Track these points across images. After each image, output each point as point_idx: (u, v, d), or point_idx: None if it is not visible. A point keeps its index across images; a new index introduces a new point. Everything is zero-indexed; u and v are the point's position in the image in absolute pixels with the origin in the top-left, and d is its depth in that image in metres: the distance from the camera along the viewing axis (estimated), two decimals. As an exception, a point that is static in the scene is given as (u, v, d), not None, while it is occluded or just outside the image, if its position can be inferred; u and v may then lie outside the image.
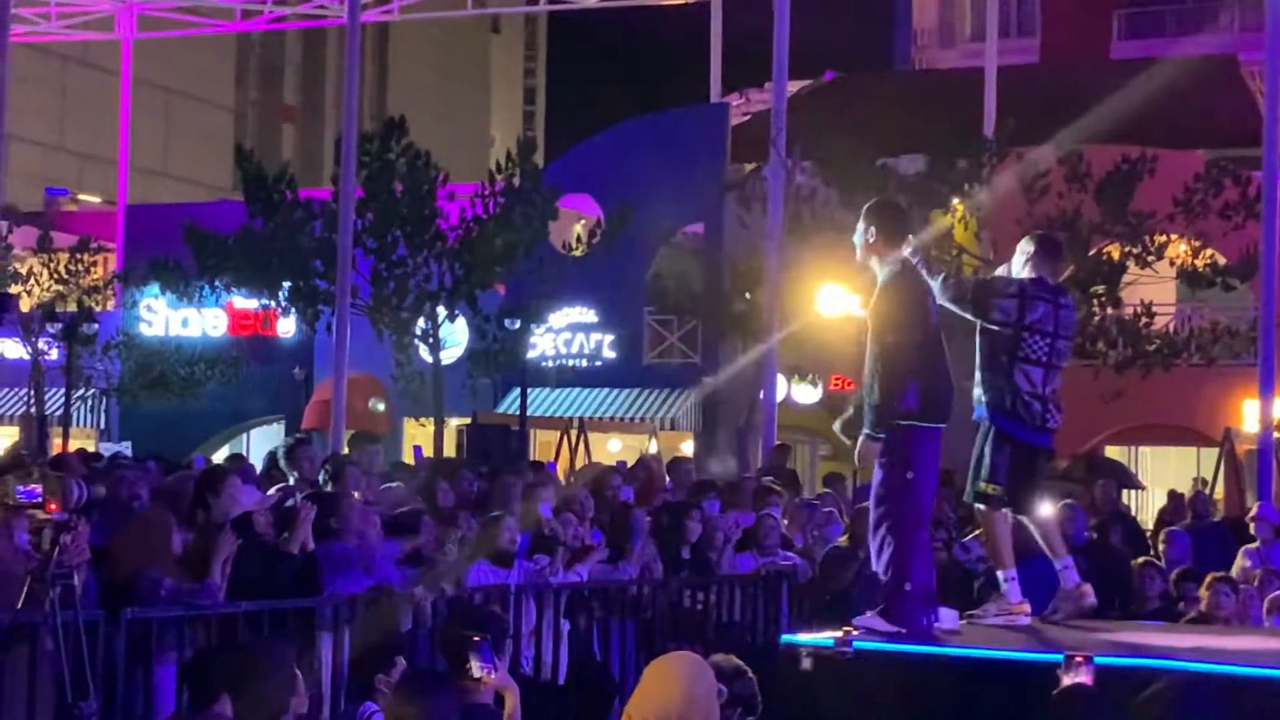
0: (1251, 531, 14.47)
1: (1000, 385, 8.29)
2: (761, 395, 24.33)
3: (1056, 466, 22.55)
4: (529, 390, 28.81)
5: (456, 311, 26.95)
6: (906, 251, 8.16)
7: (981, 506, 8.53)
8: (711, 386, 30.62)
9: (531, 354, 29.82)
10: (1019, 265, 8.54)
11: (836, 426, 8.04)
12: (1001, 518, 8.50)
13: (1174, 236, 25.55)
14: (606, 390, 32.50)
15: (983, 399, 8.36)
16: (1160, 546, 14.13)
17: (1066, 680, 5.67)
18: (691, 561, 11.27)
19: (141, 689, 8.08)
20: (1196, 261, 25.58)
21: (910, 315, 7.99)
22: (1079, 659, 5.73)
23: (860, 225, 8.18)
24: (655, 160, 30.86)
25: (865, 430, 8.10)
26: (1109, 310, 25.45)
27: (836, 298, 25.49)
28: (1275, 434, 23.14)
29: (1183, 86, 26.16)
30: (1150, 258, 25.15)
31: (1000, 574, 8.53)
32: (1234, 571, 13.08)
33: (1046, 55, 34.87)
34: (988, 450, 8.36)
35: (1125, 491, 22.34)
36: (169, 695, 7.98)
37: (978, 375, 8.38)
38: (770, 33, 25.03)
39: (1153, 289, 26.01)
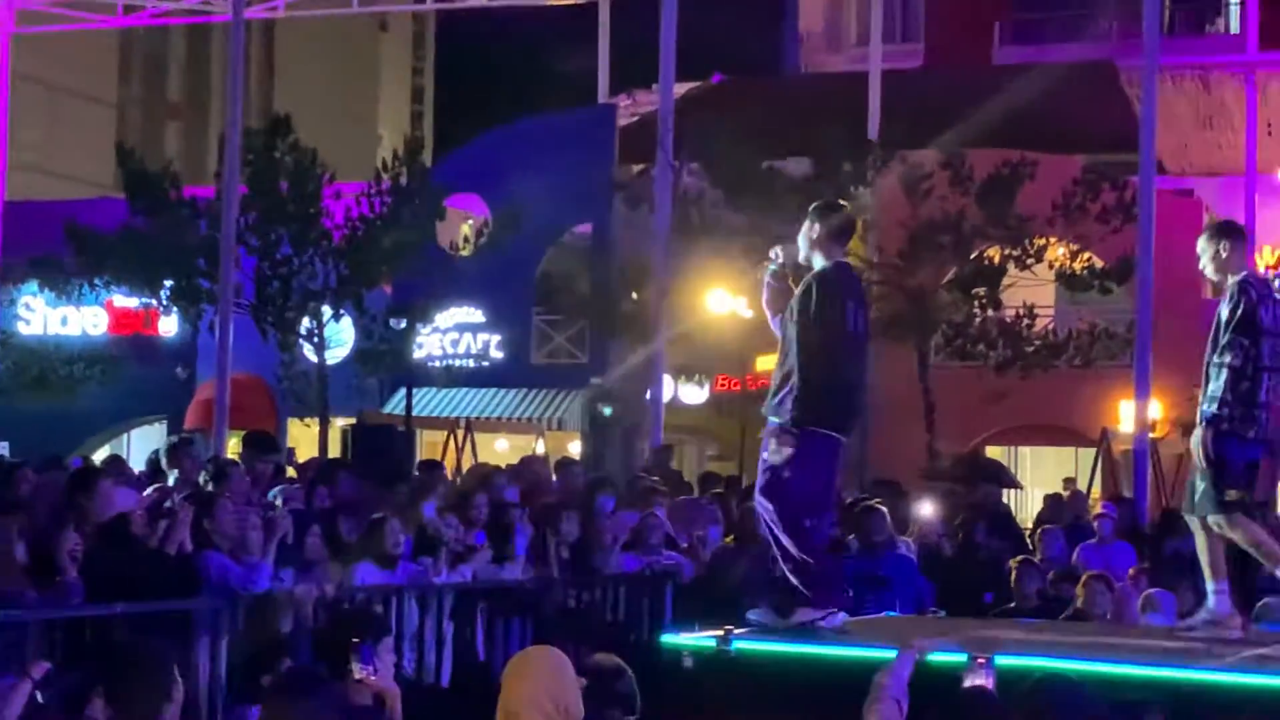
0: (1094, 528, 14.75)
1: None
2: (649, 395, 24.39)
3: (938, 467, 22.91)
4: (415, 390, 28.67)
5: (342, 311, 26.79)
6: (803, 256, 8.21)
7: (1219, 518, 8.19)
8: (599, 387, 30.65)
9: (418, 354, 29.67)
10: (1207, 263, 8.29)
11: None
12: (1247, 522, 8.21)
13: (1053, 240, 25.93)
14: (494, 390, 32.42)
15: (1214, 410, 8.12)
16: (1037, 546, 14.34)
17: (968, 682, 5.70)
18: (571, 562, 11.31)
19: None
20: (1075, 264, 25.97)
21: (824, 317, 7.99)
22: (980, 660, 5.75)
23: (806, 224, 8.24)
24: (544, 161, 30.83)
25: (763, 408, 8.15)
26: (990, 312, 25.78)
27: (723, 298, 25.66)
28: (1150, 435, 23.54)
29: (1062, 92, 26.56)
30: (1030, 260, 25.51)
31: (1212, 585, 8.26)
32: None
33: (930, 60, 35.24)
34: (1226, 459, 8.11)
35: (1005, 491, 22.66)
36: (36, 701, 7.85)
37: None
38: (658, 34, 25.10)
39: (1033, 291, 26.36)
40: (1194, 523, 8.32)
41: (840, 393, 8.06)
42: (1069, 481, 22.49)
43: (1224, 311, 8.07)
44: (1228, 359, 7.99)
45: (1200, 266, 8.28)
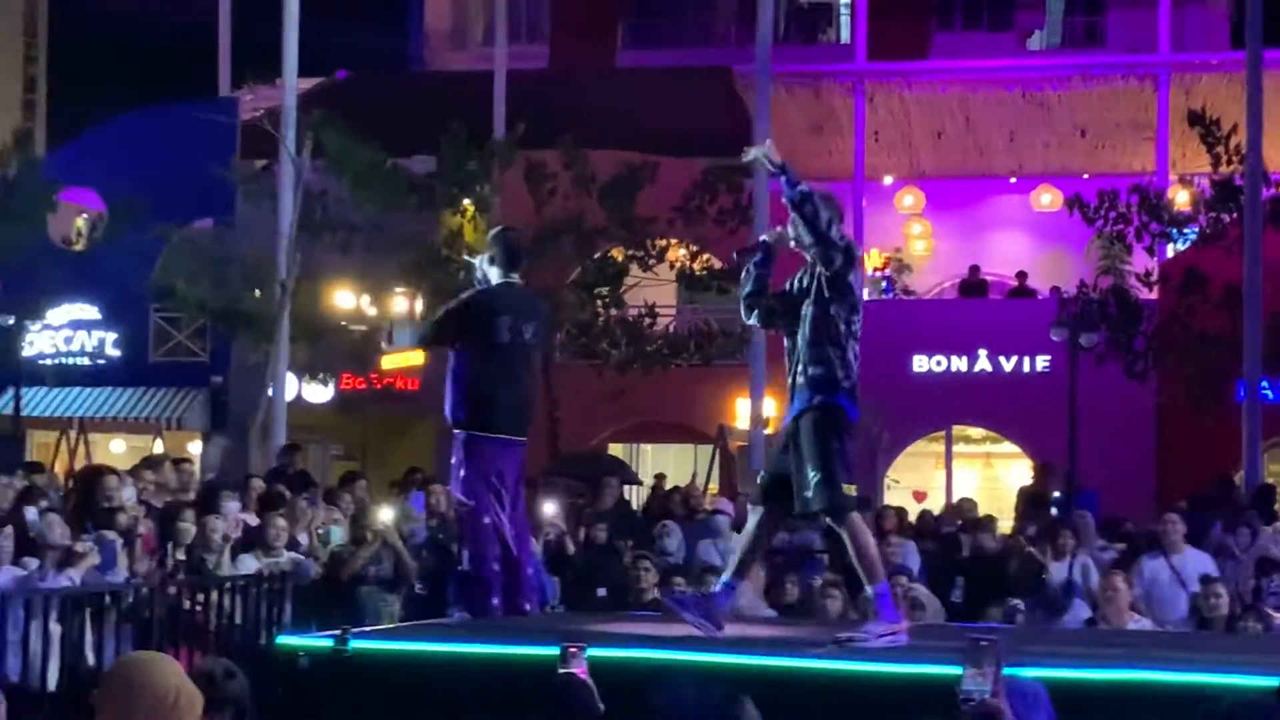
0: (712, 523, 15.20)
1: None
2: (271, 394, 24.04)
3: (561, 464, 23.21)
4: (25, 390, 27.67)
5: (-56, 308, 25.71)
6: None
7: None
8: (220, 385, 30.07)
9: (29, 352, 28.63)
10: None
11: None
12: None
13: (674, 241, 26.54)
14: (110, 389, 31.47)
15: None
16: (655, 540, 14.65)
17: (562, 671, 5.86)
18: (187, 563, 11.13)
19: None
20: (694, 265, 26.65)
21: (467, 332, 8.82)
22: (573, 650, 5.92)
23: (486, 250, 9.05)
24: (164, 154, 30.08)
25: None
26: (612, 311, 26.24)
27: (347, 296, 25.48)
28: (765, 431, 24.33)
29: (681, 96, 27.18)
30: (652, 261, 26.06)
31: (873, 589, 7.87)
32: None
33: (555, 62, 35.57)
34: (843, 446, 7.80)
35: (627, 487, 23.10)
36: None
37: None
38: (281, 28, 24.76)
39: (654, 291, 26.95)
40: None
41: (488, 398, 8.72)
42: (659, 478, 23.05)
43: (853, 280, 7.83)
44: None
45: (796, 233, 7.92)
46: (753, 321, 8.41)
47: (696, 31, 33.08)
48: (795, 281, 8.13)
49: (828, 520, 7.97)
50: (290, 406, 24.71)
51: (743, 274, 8.30)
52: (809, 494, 7.66)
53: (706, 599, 8.15)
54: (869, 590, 7.83)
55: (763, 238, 8.40)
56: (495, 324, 8.74)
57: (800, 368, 7.83)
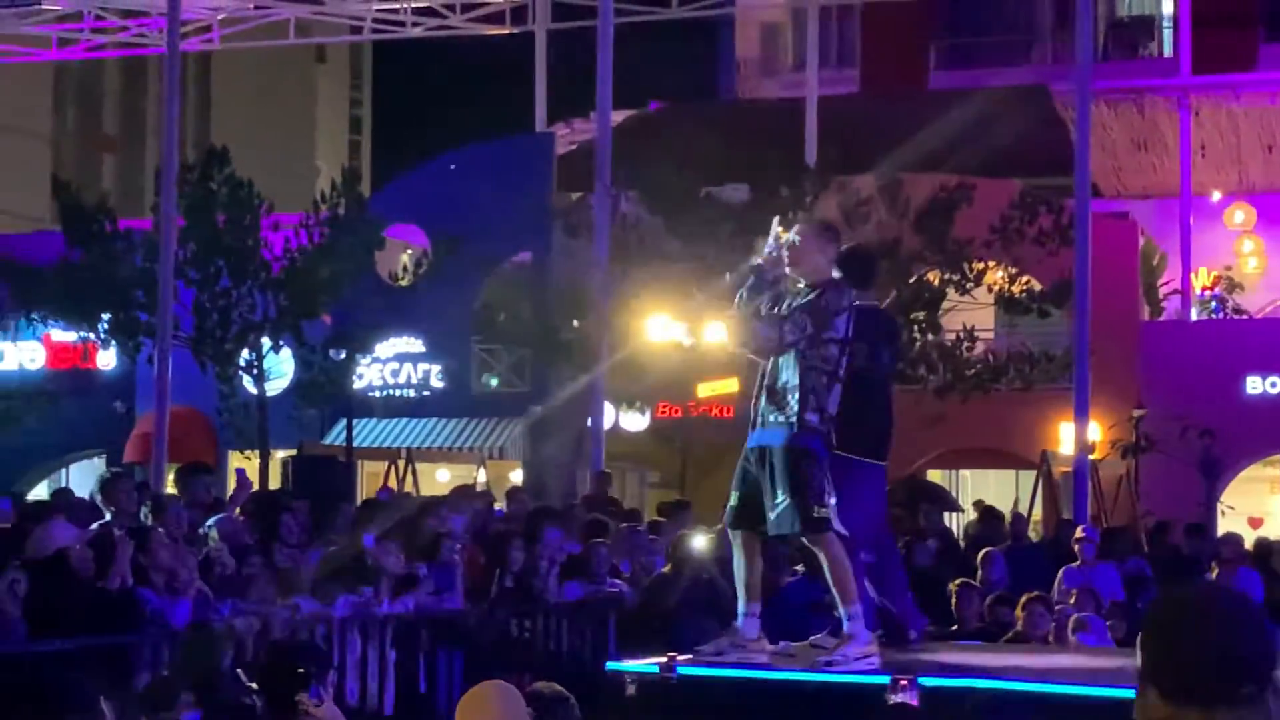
0: (1076, 551, 14.72)
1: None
2: (590, 423, 24.38)
3: (880, 491, 22.90)
4: (356, 421, 28.56)
5: (281, 342, 26.66)
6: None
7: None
8: (540, 415, 30.60)
9: (358, 384, 29.56)
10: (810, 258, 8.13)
11: None
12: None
13: (992, 263, 26.07)
14: (434, 420, 32.31)
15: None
16: (978, 568, 14.37)
17: (892, 701, 5.77)
18: (515, 590, 11.29)
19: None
20: (1013, 288, 26.13)
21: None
22: (904, 681, 5.83)
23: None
24: (482, 189, 30.81)
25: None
26: (929, 336, 25.88)
27: (663, 325, 25.65)
28: (1090, 457, 23.71)
29: (998, 116, 26.71)
30: (969, 284, 25.63)
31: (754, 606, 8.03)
32: (1053, 591, 13.35)
33: (866, 86, 35.34)
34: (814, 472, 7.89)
35: (947, 514, 22.74)
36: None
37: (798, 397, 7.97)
38: (594, 63, 25.18)
39: (972, 314, 26.50)
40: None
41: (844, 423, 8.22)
42: (979, 504, 22.47)
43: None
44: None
45: (791, 251, 7.93)
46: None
47: (1011, 51, 32.53)
48: (786, 305, 8.00)
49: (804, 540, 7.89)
50: (607, 435, 25.02)
51: (737, 295, 8.09)
52: (776, 516, 7.78)
53: (735, 632, 7.98)
54: (841, 611, 7.72)
55: (755, 260, 8.09)
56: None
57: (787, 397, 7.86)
